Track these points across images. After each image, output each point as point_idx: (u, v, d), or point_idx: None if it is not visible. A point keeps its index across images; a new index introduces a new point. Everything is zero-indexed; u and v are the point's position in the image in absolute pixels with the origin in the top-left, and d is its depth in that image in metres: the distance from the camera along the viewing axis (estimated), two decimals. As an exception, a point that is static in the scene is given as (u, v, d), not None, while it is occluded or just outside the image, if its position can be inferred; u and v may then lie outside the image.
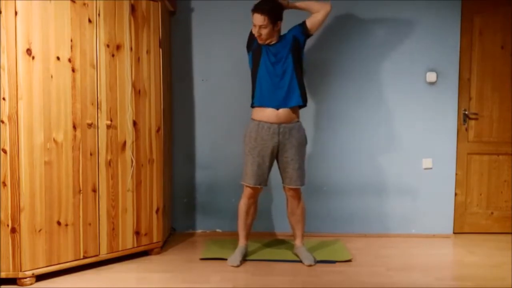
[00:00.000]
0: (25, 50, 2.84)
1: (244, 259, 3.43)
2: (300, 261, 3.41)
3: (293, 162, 3.34)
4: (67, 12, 2.99)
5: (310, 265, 3.35)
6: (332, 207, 4.11)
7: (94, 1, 3.10)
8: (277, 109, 3.30)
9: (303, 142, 3.41)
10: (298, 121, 3.41)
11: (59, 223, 3.02)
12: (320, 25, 3.45)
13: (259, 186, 3.38)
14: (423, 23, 4.02)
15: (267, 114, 3.31)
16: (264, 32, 3.27)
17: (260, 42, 3.34)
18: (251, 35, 3.43)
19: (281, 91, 3.31)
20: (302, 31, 3.40)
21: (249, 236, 3.52)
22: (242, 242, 3.47)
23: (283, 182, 3.45)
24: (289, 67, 3.32)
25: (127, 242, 3.36)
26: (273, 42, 3.36)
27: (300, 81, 3.36)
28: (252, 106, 3.41)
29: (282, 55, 3.33)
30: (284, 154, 3.35)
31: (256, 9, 3.24)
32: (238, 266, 3.32)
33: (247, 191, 3.41)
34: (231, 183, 3.99)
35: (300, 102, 3.36)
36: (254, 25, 3.28)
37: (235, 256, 3.38)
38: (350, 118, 4.07)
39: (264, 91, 3.32)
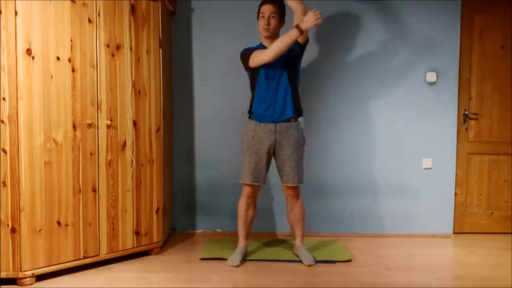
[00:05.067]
0: (25, 50, 2.84)
1: (244, 259, 3.43)
2: (300, 261, 3.41)
3: (290, 160, 3.35)
4: (67, 12, 2.99)
5: (310, 265, 3.35)
6: (332, 207, 4.12)
7: (94, 1, 3.10)
8: (274, 123, 3.33)
9: (301, 141, 3.41)
10: (296, 121, 3.42)
11: (59, 223, 3.03)
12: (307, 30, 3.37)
13: (256, 184, 3.39)
14: (423, 23, 4.02)
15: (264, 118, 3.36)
16: (273, 22, 3.32)
17: (266, 34, 3.34)
18: (247, 53, 3.36)
19: (277, 106, 3.32)
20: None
21: (249, 236, 3.53)
22: (242, 242, 3.48)
23: (281, 181, 3.45)
24: (284, 81, 3.32)
25: (127, 242, 3.36)
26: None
27: (294, 94, 3.37)
28: (252, 114, 3.41)
29: (277, 70, 3.31)
30: (281, 152, 3.36)
31: (267, 0, 3.31)
32: (238, 266, 3.33)
33: (246, 190, 3.42)
34: (231, 183, 4.00)
35: (294, 115, 3.37)
36: (263, 17, 3.32)
37: (235, 256, 3.38)
38: (350, 118, 4.08)
39: (262, 107, 3.34)
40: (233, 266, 3.32)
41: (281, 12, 3.36)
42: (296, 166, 3.37)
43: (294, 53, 3.37)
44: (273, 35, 3.36)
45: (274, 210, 4.11)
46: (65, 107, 3.01)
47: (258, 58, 3.28)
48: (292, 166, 3.35)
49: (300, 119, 3.48)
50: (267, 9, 3.31)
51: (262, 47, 3.38)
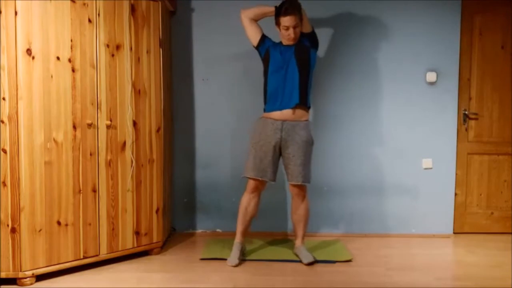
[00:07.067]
0: (25, 50, 2.84)
1: (243, 254, 3.45)
2: (300, 261, 3.41)
3: (295, 158, 3.36)
4: (67, 12, 2.99)
5: (309, 263, 3.35)
6: (332, 207, 4.12)
7: (94, 1, 3.10)
8: (281, 110, 3.37)
9: (308, 140, 3.41)
10: (305, 120, 3.43)
11: (59, 223, 3.02)
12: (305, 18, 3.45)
13: (260, 179, 3.40)
14: (423, 23, 4.02)
15: (273, 112, 3.40)
16: (297, 31, 3.34)
17: (291, 42, 3.37)
18: (258, 46, 3.46)
19: (285, 92, 3.37)
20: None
21: (246, 233, 3.53)
22: (238, 238, 3.48)
23: (287, 179, 3.47)
24: (292, 68, 3.36)
25: (127, 242, 3.36)
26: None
27: (302, 83, 3.38)
28: (264, 111, 3.47)
29: (286, 58, 3.38)
30: (286, 150, 3.38)
31: (288, 12, 3.26)
32: (237, 265, 3.33)
33: (249, 186, 3.45)
34: (231, 182, 4.01)
35: (301, 102, 3.38)
36: (286, 29, 3.30)
37: (233, 255, 3.39)
38: (350, 118, 4.08)
39: (273, 97, 3.39)
40: (232, 266, 3.32)
41: (301, 18, 3.34)
42: (301, 165, 3.37)
43: (303, 43, 3.41)
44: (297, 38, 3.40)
45: (275, 210, 4.10)
46: (65, 107, 3.01)
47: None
48: (297, 164, 3.36)
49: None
50: (289, 21, 3.27)
51: (279, 44, 3.44)
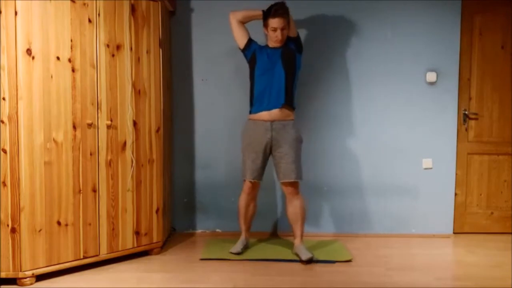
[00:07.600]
0: (25, 50, 2.84)
1: (246, 248, 3.62)
2: (300, 261, 3.41)
3: (287, 156, 3.40)
4: (67, 12, 2.99)
5: (308, 259, 3.35)
6: (332, 207, 4.11)
7: (94, 1, 3.10)
8: (269, 110, 3.44)
9: (297, 138, 3.48)
10: (292, 120, 3.49)
11: (59, 223, 3.02)
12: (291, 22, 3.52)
13: (256, 181, 3.50)
14: (423, 23, 4.02)
15: (261, 113, 3.46)
16: (285, 33, 3.43)
17: (278, 44, 3.45)
18: (245, 49, 3.53)
19: (272, 93, 3.44)
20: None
21: (250, 229, 3.68)
22: (243, 235, 3.66)
23: (279, 179, 3.50)
24: (278, 70, 3.43)
25: (127, 242, 3.36)
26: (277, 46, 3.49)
27: (288, 84, 3.44)
28: (250, 113, 3.54)
29: (273, 60, 3.45)
30: (278, 149, 3.43)
31: (277, 14, 3.36)
32: (239, 253, 3.51)
33: (246, 187, 3.54)
34: (231, 183, 4.01)
35: (287, 102, 3.44)
36: (274, 30, 3.39)
37: (237, 245, 3.57)
38: (350, 118, 4.07)
39: (260, 98, 3.45)
40: (233, 253, 3.49)
41: (289, 21, 3.43)
42: (293, 162, 3.41)
43: (289, 46, 3.49)
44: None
45: (274, 210, 4.10)
46: (65, 107, 3.01)
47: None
48: (289, 162, 3.40)
49: (301, 119, 3.49)
50: (277, 23, 3.36)
51: (265, 46, 3.52)
